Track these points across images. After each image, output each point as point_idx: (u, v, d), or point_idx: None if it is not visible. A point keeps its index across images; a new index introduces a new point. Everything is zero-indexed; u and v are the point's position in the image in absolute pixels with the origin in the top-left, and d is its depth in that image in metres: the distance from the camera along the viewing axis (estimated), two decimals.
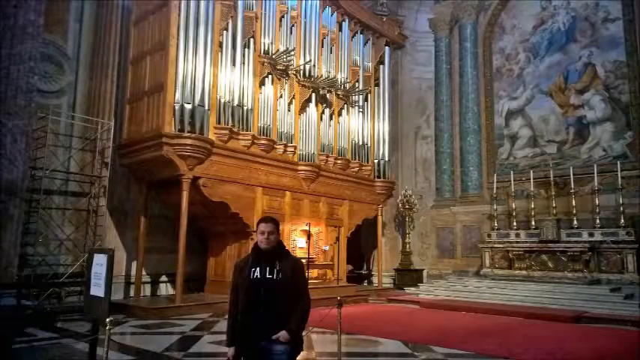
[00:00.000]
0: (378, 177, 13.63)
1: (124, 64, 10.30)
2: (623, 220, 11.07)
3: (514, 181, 12.99)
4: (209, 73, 9.37)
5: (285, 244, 3.50)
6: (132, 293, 9.99)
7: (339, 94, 12.68)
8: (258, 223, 3.18)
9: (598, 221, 11.44)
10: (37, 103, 8.45)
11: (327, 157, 12.13)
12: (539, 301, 10.10)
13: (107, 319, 3.53)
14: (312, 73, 11.63)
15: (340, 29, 13.10)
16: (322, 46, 12.25)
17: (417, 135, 15.85)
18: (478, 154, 14.56)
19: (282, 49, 11.08)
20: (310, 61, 11.57)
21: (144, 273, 10.14)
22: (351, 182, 12.84)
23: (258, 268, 3.09)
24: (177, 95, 8.99)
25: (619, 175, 11.26)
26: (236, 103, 9.93)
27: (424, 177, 15.55)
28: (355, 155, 13.07)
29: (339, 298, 5.25)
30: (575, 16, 13.36)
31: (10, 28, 7.75)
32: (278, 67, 11.00)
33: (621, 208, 11.12)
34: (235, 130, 9.93)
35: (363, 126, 13.37)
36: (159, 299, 10.12)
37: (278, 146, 10.86)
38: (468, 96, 14.87)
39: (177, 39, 9.18)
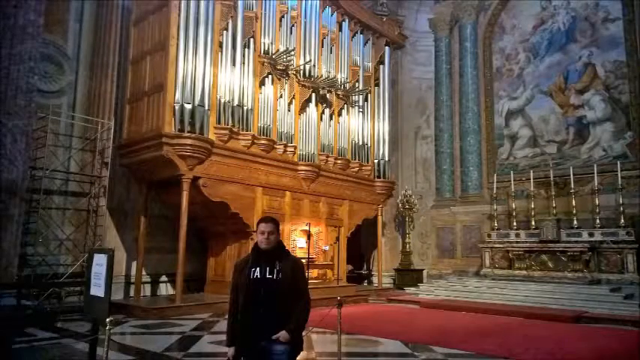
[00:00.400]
0: (378, 177, 13.63)
1: (124, 64, 10.30)
2: (623, 220, 11.07)
3: (514, 181, 12.99)
4: (209, 73, 9.38)
5: (285, 244, 3.50)
6: (132, 293, 9.99)
7: (339, 94, 12.68)
8: (258, 223, 3.18)
9: (598, 221, 11.43)
10: (37, 103, 8.44)
11: (327, 157, 12.13)
12: (539, 301, 10.09)
13: (107, 319, 3.53)
14: (312, 73, 11.64)
15: (340, 29, 13.10)
16: (322, 46, 12.25)
17: (417, 135, 15.85)
18: (478, 154, 14.56)
19: (282, 49, 11.08)
20: (310, 61, 11.57)
21: (144, 273, 10.13)
22: (351, 182, 12.85)
23: (258, 268, 3.09)
24: (177, 95, 8.99)
25: (619, 175, 11.25)
26: (236, 103, 9.94)
27: (424, 177, 15.55)
28: (355, 155, 13.07)
29: (339, 298, 5.25)
30: (575, 16, 13.36)
31: (10, 28, 7.74)
32: (278, 67, 11.01)
33: (621, 208, 11.11)
34: (235, 130, 9.93)
35: (363, 126, 13.38)
36: (159, 299, 10.12)
37: (278, 146, 10.86)
38: (468, 96, 14.87)
39: (177, 39, 9.18)
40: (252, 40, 10.47)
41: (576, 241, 11.32)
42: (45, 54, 9.17)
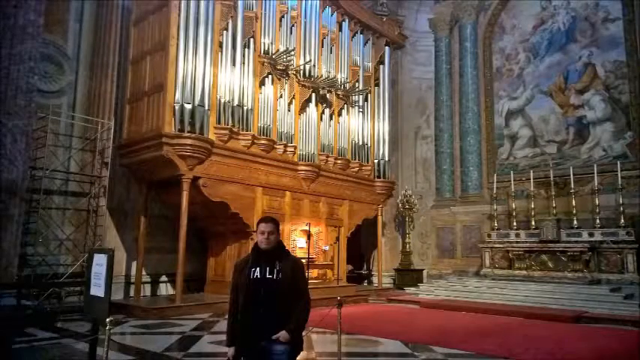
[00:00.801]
0: (378, 177, 13.63)
1: (124, 64, 10.30)
2: (623, 220, 11.07)
3: (514, 181, 12.99)
4: (209, 73, 9.37)
5: (285, 244, 3.50)
6: (132, 293, 9.99)
7: (339, 94, 12.68)
8: (258, 223, 3.18)
9: (598, 221, 11.43)
10: (37, 103, 8.44)
11: (327, 157, 12.13)
12: (539, 301, 10.09)
13: (107, 319, 3.53)
14: (312, 73, 11.63)
15: (340, 29, 13.10)
16: (322, 46, 12.25)
17: (417, 135, 15.85)
18: (478, 154, 14.56)
19: (282, 49, 11.08)
20: (310, 61, 11.57)
21: (144, 273, 10.13)
22: (351, 182, 12.84)
23: (258, 268, 3.09)
24: (177, 95, 8.99)
25: (619, 175, 11.25)
26: (236, 103, 9.94)
27: (424, 177, 15.55)
28: (355, 155, 13.07)
29: (339, 298, 5.25)
30: (575, 16, 13.36)
31: (10, 28, 7.74)
32: (278, 67, 11.00)
33: (621, 208, 11.11)
34: (235, 130, 9.93)
35: (363, 126, 13.37)
36: (159, 299, 10.12)
37: (278, 146, 10.86)
38: (468, 96, 14.87)
39: (177, 39, 9.18)
40: (252, 40, 10.46)
41: (576, 241, 11.32)
42: (45, 54, 9.17)
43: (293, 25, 11.61)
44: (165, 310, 8.61)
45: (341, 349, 5.12)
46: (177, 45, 9.15)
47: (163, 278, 10.77)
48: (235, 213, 9.95)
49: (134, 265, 10.08)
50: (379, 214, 13.88)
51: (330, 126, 12.39)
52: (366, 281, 14.95)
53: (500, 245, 12.47)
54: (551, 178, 12.42)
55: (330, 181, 12.19)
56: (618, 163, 11.48)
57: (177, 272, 9.15)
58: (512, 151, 14.09)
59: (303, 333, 3.18)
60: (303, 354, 3.37)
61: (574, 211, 11.82)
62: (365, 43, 13.87)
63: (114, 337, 5.59)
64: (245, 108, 10.12)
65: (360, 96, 13.43)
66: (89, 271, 4.25)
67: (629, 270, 10.61)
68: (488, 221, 13.63)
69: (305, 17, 11.82)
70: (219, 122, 9.70)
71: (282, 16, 11.37)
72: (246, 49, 10.36)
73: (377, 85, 14.10)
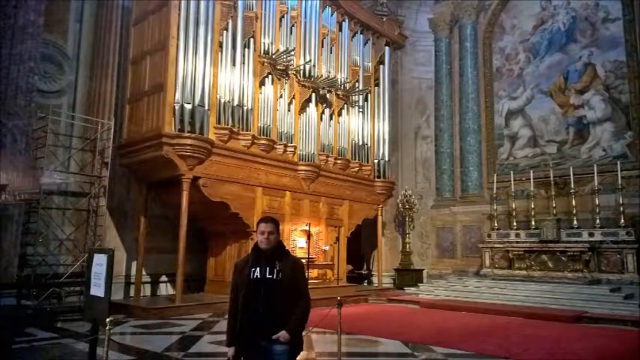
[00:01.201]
0: (378, 177, 13.63)
1: (124, 64, 10.31)
2: (623, 220, 11.07)
3: (514, 181, 12.99)
4: (209, 73, 9.38)
5: (285, 244, 3.50)
6: (132, 293, 9.99)
7: (339, 94, 12.68)
8: (258, 223, 3.19)
9: (598, 221, 11.43)
10: (37, 103, 8.45)
11: (327, 157, 12.13)
12: (539, 301, 10.09)
13: (107, 319, 3.53)
14: (312, 73, 11.64)
15: (340, 29, 13.10)
16: (322, 46, 12.25)
17: (417, 135, 15.85)
18: (478, 154, 14.55)
19: (282, 49, 11.08)
20: (310, 61, 11.57)
21: (144, 273, 10.14)
22: (351, 182, 12.85)
23: (258, 268, 3.09)
24: (177, 95, 8.99)
25: (619, 175, 11.25)
26: (236, 103, 9.94)
27: (424, 177, 15.55)
28: (355, 155, 13.07)
29: (339, 298, 5.26)
30: (575, 16, 13.36)
31: (10, 28, 7.75)
32: (278, 67, 11.01)
33: (621, 208, 11.11)
34: (235, 130, 9.93)
35: (363, 126, 13.38)
36: (159, 299, 10.12)
37: (278, 146, 10.87)
38: (468, 96, 14.87)
39: (177, 39, 9.18)
40: (252, 40, 10.47)
41: (576, 241, 11.32)
42: (45, 54, 9.17)
43: (293, 25, 11.61)
44: (165, 310, 8.61)
45: (341, 349, 5.12)
46: (177, 45, 9.15)
47: (163, 278, 10.77)
48: (235, 213, 9.95)
49: (134, 265, 10.08)
50: (379, 214, 13.88)
51: (330, 126, 12.39)
52: (366, 281, 14.95)
53: (500, 245, 12.47)
54: (551, 178, 12.42)
55: (330, 181, 12.20)
56: (618, 163, 11.48)
57: (177, 272, 9.15)
58: (512, 151, 14.08)
59: (303, 333, 3.18)
60: (303, 354, 3.37)
61: (574, 211, 11.82)
62: (365, 43, 13.88)
63: (114, 337, 5.58)
64: (245, 108, 10.12)
65: (360, 96, 13.43)
66: (89, 271, 4.26)
67: (629, 270, 10.61)
68: (488, 221, 13.62)
69: (305, 17, 11.82)
70: (219, 122, 9.70)
71: (282, 16, 11.37)
72: (246, 49, 10.36)
73: (377, 85, 14.11)
